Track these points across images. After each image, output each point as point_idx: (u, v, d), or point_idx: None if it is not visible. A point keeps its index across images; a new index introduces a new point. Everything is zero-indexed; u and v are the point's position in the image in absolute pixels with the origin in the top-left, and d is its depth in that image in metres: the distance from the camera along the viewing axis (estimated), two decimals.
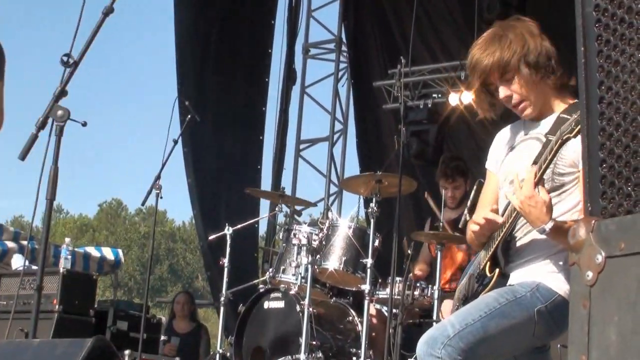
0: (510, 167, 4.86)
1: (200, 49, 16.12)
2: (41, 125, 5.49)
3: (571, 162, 4.59)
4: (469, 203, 8.20)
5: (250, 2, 16.72)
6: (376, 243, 9.02)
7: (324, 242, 9.28)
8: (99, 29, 5.59)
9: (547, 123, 4.76)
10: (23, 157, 5.46)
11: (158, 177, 10.49)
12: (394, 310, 8.80)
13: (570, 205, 4.67)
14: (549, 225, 4.40)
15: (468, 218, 6.86)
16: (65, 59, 5.52)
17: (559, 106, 4.82)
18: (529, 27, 4.81)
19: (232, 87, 16.28)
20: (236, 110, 16.51)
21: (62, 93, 5.54)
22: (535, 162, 4.52)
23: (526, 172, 4.49)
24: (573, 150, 4.47)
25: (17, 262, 15.25)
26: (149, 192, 10.62)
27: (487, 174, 5.18)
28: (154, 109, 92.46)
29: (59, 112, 5.49)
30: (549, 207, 4.42)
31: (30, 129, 5.46)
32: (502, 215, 4.75)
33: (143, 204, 11.04)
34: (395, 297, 8.87)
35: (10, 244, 16.81)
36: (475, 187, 6.96)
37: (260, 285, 10.05)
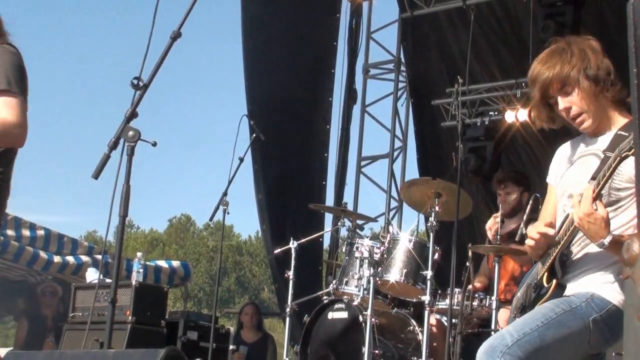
0: (569, 181, 4.88)
1: (267, 71, 16.16)
2: (113, 146, 5.52)
3: (628, 178, 4.58)
4: (524, 217, 8.16)
5: (314, 26, 16.74)
6: (435, 256, 9.01)
7: (385, 255, 9.29)
8: (167, 53, 5.61)
9: (605, 139, 4.76)
10: (96, 175, 5.49)
11: (225, 194, 10.53)
12: (454, 320, 8.78)
13: (625, 219, 4.66)
14: (607, 240, 4.42)
15: (524, 231, 6.83)
16: (135, 82, 5.55)
17: (618, 121, 4.83)
18: (591, 43, 4.83)
19: (297, 107, 16.33)
20: (302, 128, 16.56)
21: (133, 115, 5.57)
22: (593, 178, 4.54)
23: (585, 190, 4.50)
24: (631, 167, 4.46)
25: (92, 275, 15.32)
26: (217, 208, 10.67)
27: (548, 188, 5.18)
28: (221, 128, 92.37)
29: (130, 133, 5.52)
30: (607, 222, 4.43)
31: (102, 149, 5.50)
32: (560, 228, 4.76)
33: (211, 219, 11.09)
34: (455, 307, 8.84)
35: (85, 258, 16.90)
36: (531, 202, 6.93)
37: (325, 297, 10.05)
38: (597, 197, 4.46)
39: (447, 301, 8.89)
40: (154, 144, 5.67)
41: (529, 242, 4.89)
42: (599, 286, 4.65)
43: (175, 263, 18.64)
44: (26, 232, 16.43)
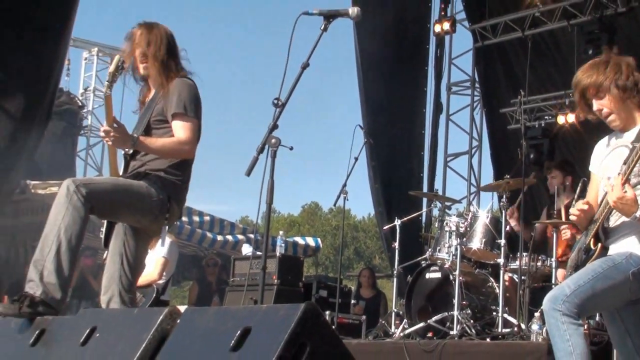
0: (606, 167, 4.90)
1: (376, 91, 16.34)
2: (260, 150, 5.56)
3: None
4: (575, 196, 8.10)
5: (410, 54, 16.98)
6: (507, 228, 8.98)
7: (468, 228, 9.29)
8: (299, 79, 5.63)
9: (632, 134, 4.77)
10: (248, 173, 5.53)
11: (344, 185, 10.58)
12: (523, 277, 8.76)
13: None
14: (637, 214, 4.53)
15: None
16: (275, 101, 5.60)
17: None
18: (628, 60, 4.88)
19: (399, 118, 16.43)
20: (404, 134, 16.71)
21: (275, 127, 5.63)
22: (624, 163, 4.57)
23: (615, 179, 4.57)
24: None
25: (246, 249, 15.52)
26: (339, 196, 10.70)
27: (590, 175, 5.19)
28: (339, 134, 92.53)
29: (273, 140, 5.57)
30: (635, 201, 4.51)
31: (252, 153, 5.57)
32: (601, 204, 4.79)
33: (334, 205, 11.11)
34: (523, 267, 8.81)
35: (240, 237, 17.09)
36: (580, 184, 6.88)
37: (423, 262, 10.07)
38: (626, 180, 4.52)
39: (518, 262, 8.87)
40: (291, 148, 5.71)
41: (572, 217, 4.94)
42: (635, 246, 4.65)
43: (308, 239, 18.75)
44: (196, 218, 16.66)
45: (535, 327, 7.73)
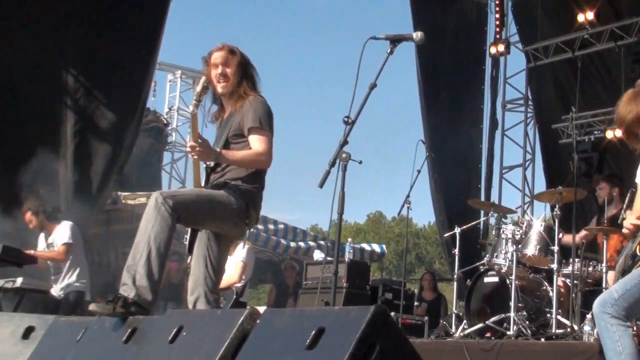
0: None
1: (436, 109, 16.38)
2: (332, 164, 5.58)
3: None
4: (624, 206, 7.99)
5: (469, 74, 17.03)
6: (560, 235, 8.88)
7: (523, 236, 9.22)
8: (367, 99, 5.64)
9: None
10: (321, 185, 5.55)
11: (408, 195, 10.56)
12: (575, 281, 8.67)
13: None
14: None
15: (625, 216, 6.69)
16: (345, 119, 5.61)
17: None
18: None
19: (457, 133, 16.40)
20: (463, 148, 16.68)
21: (345, 142, 5.63)
22: None
23: None
24: None
25: (318, 255, 15.54)
26: (403, 205, 10.69)
27: (637, 186, 5.14)
28: (401, 148, 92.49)
29: (344, 155, 5.58)
30: None
31: (321, 166, 5.58)
32: None
33: (398, 214, 11.08)
34: (575, 272, 8.72)
35: (312, 243, 17.13)
36: (629, 195, 6.79)
37: (481, 267, 9.98)
38: None
39: (570, 268, 8.78)
40: (360, 162, 5.72)
41: (624, 230, 4.91)
42: None
43: (374, 245, 18.74)
44: (271, 226, 16.74)
45: (587, 328, 7.64)
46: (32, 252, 10.21)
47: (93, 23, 13.16)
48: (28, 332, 5.08)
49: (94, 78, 13.27)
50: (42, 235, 10.59)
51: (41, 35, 12.56)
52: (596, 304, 4.56)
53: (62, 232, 10.37)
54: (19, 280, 9.92)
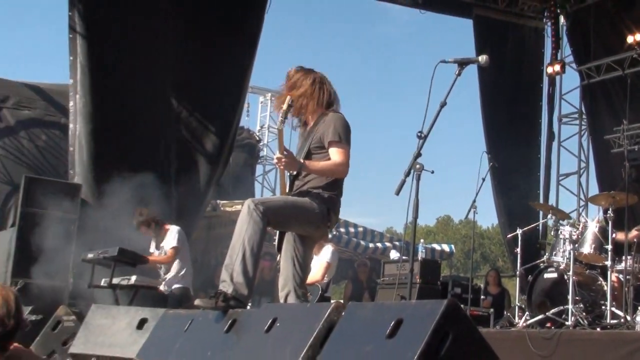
0: None
1: (498, 122, 16.28)
2: (407, 174, 5.56)
3: None
4: None
5: (528, 92, 16.91)
6: (613, 235, 8.72)
7: (579, 236, 9.10)
8: (438, 115, 5.62)
9: None
10: (397, 192, 5.54)
11: (474, 200, 10.47)
12: (628, 277, 8.52)
13: None
14: None
15: None
16: (419, 134, 5.59)
17: None
18: None
19: (517, 144, 16.23)
20: (523, 158, 16.53)
21: (418, 155, 5.60)
22: None
23: None
24: None
25: (393, 255, 15.47)
26: (469, 210, 10.60)
27: None
28: (467, 156, 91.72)
29: (417, 166, 5.56)
30: None
31: (399, 177, 5.57)
32: None
33: (465, 217, 10.97)
34: (628, 268, 8.56)
35: (388, 244, 17.17)
36: None
37: (541, 264, 9.85)
38: None
39: (623, 264, 8.63)
40: (432, 172, 5.69)
41: None
42: None
43: (444, 245, 18.70)
44: (351, 229, 16.79)
45: (639, 319, 7.52)
46: (146, 257, 10.42)
47: (193, 56, 13.46)
48: (142, 323, 5.16)
49: (194, 104, 13.66)
50: (153, 240, 10.80)
51: (150, 70, 12.93)
52: None
53: (171, 238, 10.54)
54: (133, 278, 10.08)
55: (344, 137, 5.43)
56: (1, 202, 14.82)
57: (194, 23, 13.49)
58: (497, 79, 16.17)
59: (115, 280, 10.15)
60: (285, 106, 5.29)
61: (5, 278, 10.80)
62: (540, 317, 8.77)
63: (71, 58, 12.66)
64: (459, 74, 5.55)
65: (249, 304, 4.94)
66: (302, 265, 5.57)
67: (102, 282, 10.32)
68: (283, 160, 5.23)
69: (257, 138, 21.28)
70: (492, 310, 11.24)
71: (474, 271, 13.45)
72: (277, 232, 5.61)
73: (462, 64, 5.59)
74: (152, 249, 10.76)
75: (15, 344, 3.55)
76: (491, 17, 16.63)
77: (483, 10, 16.59)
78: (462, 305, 10.14)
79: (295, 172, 5.51)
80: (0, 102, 15.29)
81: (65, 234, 11.29)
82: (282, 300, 5.47)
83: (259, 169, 21.85)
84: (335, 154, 5.40)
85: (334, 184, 5.51)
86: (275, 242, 5.69)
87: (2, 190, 14.82)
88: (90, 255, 10.38)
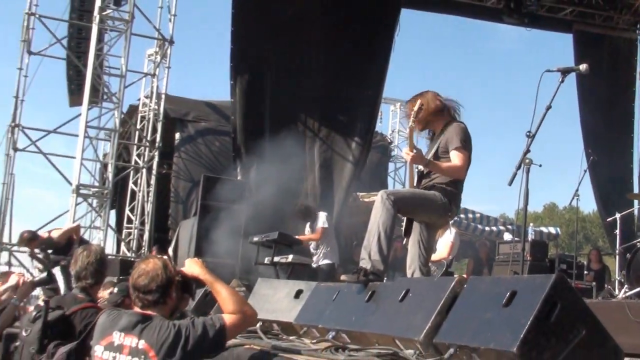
0: None
1: (594, 124, 15.68)
2: (518, 167, 5.46)
3: None
4: None
5: (622, 93, 16.19)
6: None
7: None
8: (544, 117, 5.49)
9: None
10: (510, 183, 5.45)
11: (577, 189, 10.17)
12: None
13: None
14: None
15: None
16: (527, 133, 5.46)
17: None
18: None
19: (612, 142, 15.62)
20: (617, 152, 15.88)
21: (527, 151, 5.48)
22: None
23: None
24: None
25: (506, 236, 15.16)
26: (573, 197, 10.30)
27: None
28: (571, 153, 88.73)
29: (527, 160, 5.44)
30: None
31: (510, 170, 5.46)
32: None
33: (569, 203, 10.67)
34: None
35: (502, 228, 16.93)
36: None
37: (638, 243, 9.43)
38: None
39: None
40: (540, 166, 5.55)
41: None
42: None
43: (550, 228, 18.25)
44: (470, 215, 16.61)
45: None
46: (300, 238, 10.68)
47: (336, 76, 13.81)
48: (298, 294, 5.24)
49: (334, 114, 14.11)
50: (307, 225, 11.02)
51: (296, 89, 13.49)
52: None
53: (320, 221, 10.78)
54: (290, 257, 10.28)
55: (464, 144, 5.34)
56: (185, 196, 15.44)
57: (336, 48, 13.82)
58: (594, 84, 15.56)
59: (275, 259, 10.39)
60: (416, 107, 5.27)
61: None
62: (638, 289, 8.41)
63: (232, 82, 13.27)
64: (562, 81, 5.40)
65: (385, 278, 4.92)
66: (427, 248, 5.57)
67: (265, 261, 10.59)
68: (412, 155, 5.21)
69: (389, 140, 21.59)
70: (594, 283, 10.95)
71: (577, 250, 13.01)
72: (405, 218, 5.59)
73: (565, 72, 5.44)
74: (306, 231, 10.98)
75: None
76: (589, 31, 16.09)
77: (582, 25, 16.08)
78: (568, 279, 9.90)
79: (422, 168, 5.47)
80: (183, 116, 16.07)
81: (235, 221, 11.65)
82: (409, 276, 5.48)
83: (390, 166, 22.27)
84: (456, 158, 5.32)
85: (456, 182, 5.43)
86: (402, 227, 5.68)
87: (186, 187, 15.47)
88: (255, 239, 10.69)
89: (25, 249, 10.09)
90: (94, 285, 4.77)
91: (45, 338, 4.27)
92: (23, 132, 15.77)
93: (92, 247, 4.95)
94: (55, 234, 10.46)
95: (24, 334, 4.42)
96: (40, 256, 10.29)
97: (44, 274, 8.92)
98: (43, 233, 10.47)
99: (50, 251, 10.36)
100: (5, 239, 16.13)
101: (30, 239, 10.15)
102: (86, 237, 14.69)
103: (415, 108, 5.26)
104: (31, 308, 5.13)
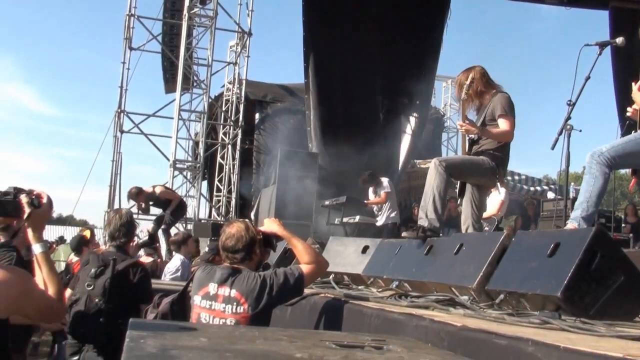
0: None
1: (629, 89, 14.95)
2: (560, 132, 5.32)
3: None
4: None
5: None
6: None
7: None
8: (583, 87, 5.31)
9: None
10: (552, 147, 5.31)
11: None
12: None
13: None
14: None
15: None
16: (568, 102, 5.33)
17: None
18: None
19: None
20: None
21: (568, 118, 5.34)
22: None
23: None
24: None
25: (550, 195, 14.75)
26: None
27: None
28: (607, 119, 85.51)
29: (568, 127, 5.29)
30: None
31: (553, 135, 5.31)
32: None
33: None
34: None
35: (545, 187, 16.64)
36: None
37: None
38: None
39: None
40: (580, 131, 5.41)
41: None
42: None
43: None
44: (516, 177, 16.31)
45: None
46: (366, 202, 10.69)
47: (391, 56, 13.69)
48: (365, 249, 5.26)
49: (395, 92, 14.00)
50: (370, 189, 11.00)
51: (361, 71, 13.57)
52: None
53: (383, 186, 10.76)
54: (357, 218, 10.34)
55: (509, 111, 5.22)
56: (265, 167, 15.64)
57: (394, 34, 13.85)
58: (629, 56, 14.93)
59: (344, 220, 10.44)
60: (468, 81, 5.18)
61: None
62: None
63: (305, 65, 13.31)
64: (600, 54, 5.20)
65: (441, 234, 4.89)
66: (478, 206, 5.49)
67: (336, 221, 10.67)
68: (464, 126, 5.13)
69: (442, 113, 21.42)
70: (631, 235, 10.63)
71: (615, 205, 12.59)
72: (458, 182, 5.53)
73: (603, 45, 5.23)
74: (370, 195, 10.96)
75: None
76: (625, 7, 15.39)
77: (618, 2, 15.38)
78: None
79: (474, 135, 5.38)
80: (262, 98, 16.32)
81: (309, 187, 11.72)
82: (463, 232, 5.43)
83: (443, 136, 22.08)
84: (503, 124, 5.20)
85: (503, 148, 5.32)
86: (456, 189, 5.63)
87: (265, 159, 15.68)
88: (326, 202, 10.79)
89: (133, 202, 10.38)
90: (127, 243, 4.89)
91: (112, 290, 4.45)
92: (127, 116, 16.19)
93: (122, 210, 5.06)
94: (157, 190, 10.66)
95: (87, 287, 4.51)
96: (143, 206, 10.61)
97: (147, 237, 9.24)
98: (147, 188, 10.68)
99: (151, 203, 10.66)
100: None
101: (137, 193, 10.40)
102: None
103: (468, 82, 5.17)
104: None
